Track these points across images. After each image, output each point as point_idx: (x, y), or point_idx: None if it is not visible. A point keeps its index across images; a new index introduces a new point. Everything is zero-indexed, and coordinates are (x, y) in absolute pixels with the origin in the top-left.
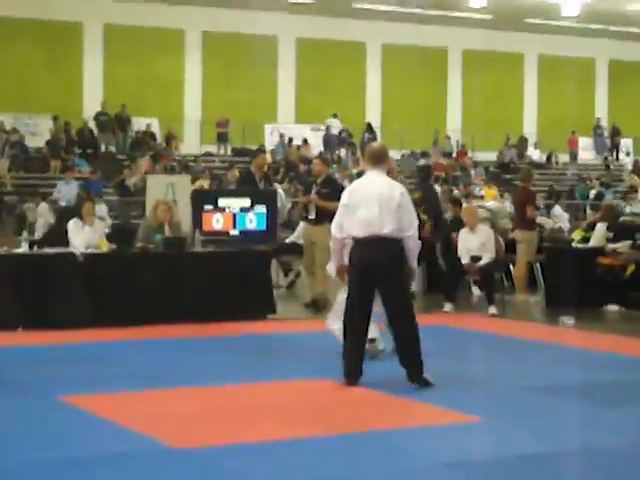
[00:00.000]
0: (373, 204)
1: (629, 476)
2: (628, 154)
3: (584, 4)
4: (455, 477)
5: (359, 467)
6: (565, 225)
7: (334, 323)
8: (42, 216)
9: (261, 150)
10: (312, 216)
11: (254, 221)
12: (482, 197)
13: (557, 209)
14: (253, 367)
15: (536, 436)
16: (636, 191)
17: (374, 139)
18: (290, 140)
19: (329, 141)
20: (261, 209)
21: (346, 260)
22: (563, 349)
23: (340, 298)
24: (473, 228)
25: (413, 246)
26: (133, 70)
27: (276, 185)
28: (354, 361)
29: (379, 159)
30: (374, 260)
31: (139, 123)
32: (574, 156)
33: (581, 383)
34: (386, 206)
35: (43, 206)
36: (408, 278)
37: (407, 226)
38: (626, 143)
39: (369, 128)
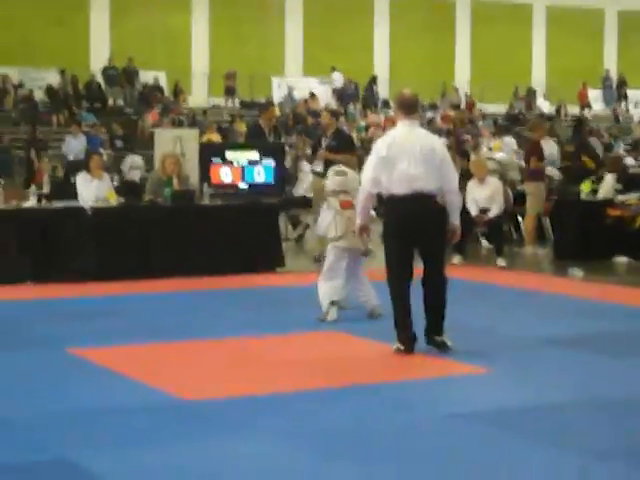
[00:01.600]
0: (415, 158)
1: (632, 426)
2: (637, 105)
3: None
4: (457, 428)
5: (365, 420)
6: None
7: (321, 285)
8: (46, 170)
9: (270, 104)
10: (321, 169)
11: (262, 174)
12: (491, 149)
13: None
14: (263, 320)
15: (541, 388)
16: None
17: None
18: (298, 94)
19: (339, 94)
20: (269, 162)
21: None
22: (571, 301)
23: (330, 258)
24: (482, 180)
25: (456, 201)
26: (140, 23)
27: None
28: (407, 326)
29: (412, 108)
30: (418, 219)
31: (147, 76)
32: (584, 108)
33: (588, 334)
34: (430, 160)
35: (45, 160)
36: (448, 236)
37: (450, 181)
38: (635, 94)
39: (374, 81)
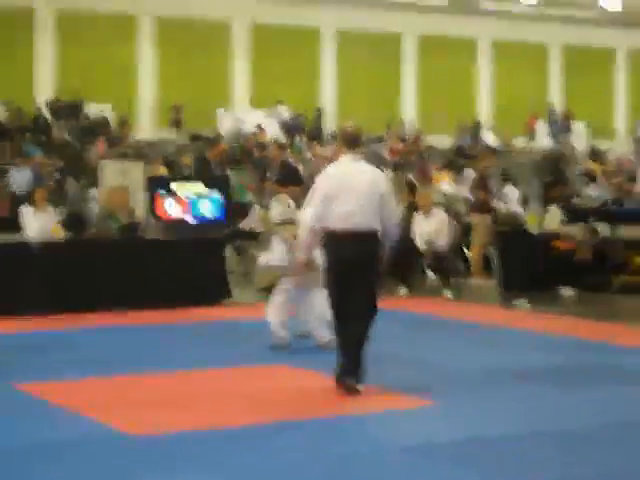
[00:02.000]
0: (356, 194)
1: (582, 457)
2: (580, 137)
3: None
4: (411, 461)
5: (317, 453)
6: (517, 207)
7: (271, 315)
8: None
9: (217, 137)
10: (268, 201)
11: (209, 207)
12: (436, 181)
13: (509, 190)
14: (210, 353)
15: (489, 419)
16: (590, 176)
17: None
18: (245, 126)
19: (286, 127)
20: (216, 195)
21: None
22: (518, 332)
23: (280, 289)
24: (428, 212)
25: (394, 234)
26: (86, 56)
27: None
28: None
29: (355, 142)
30: (354, 255)
31: (92, 109)
32: (532, 137)
33: (535, 366)
34: (370, 196)
35: None
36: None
37: (390, 216)
38: (579, 127)
39: (320, 113)
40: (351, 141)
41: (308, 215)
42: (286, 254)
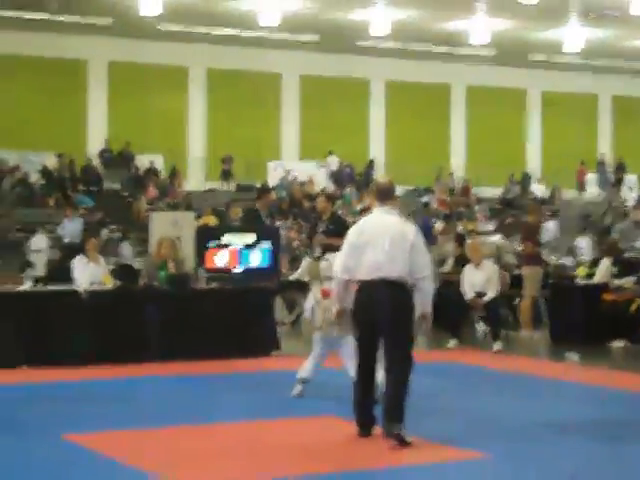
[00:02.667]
0: (383, 245)
1: None
2: (631, 189)
3: (587, 40)
4: None
5: None
6: (587, 257)
7: (302, 371)
8: (41, 251)
9: (267, 188)
10: (318, 253)
11: (258, 258)
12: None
13: (583, 241)
14: (258, 404)
15: (539, 474)
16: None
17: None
18: (294, 177)
19: (335, 178)
20: (266, 245)
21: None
22: (569, 385)
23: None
24: (478, 264)
25: (428, 289)
26: (137, 107)
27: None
28: (366, 410)
29: (387, 195)
30: (381, 307)
31: (143, 160)
32: (582, 187)
33: (585, 420)
34: (398, 247)
35: (40, 238)
36: (416, 325)
37: (421, 268)
38: (630, 179)
39: (371, 164)
40: (384, 194)
41: (337, 266)
42: (315, 313)
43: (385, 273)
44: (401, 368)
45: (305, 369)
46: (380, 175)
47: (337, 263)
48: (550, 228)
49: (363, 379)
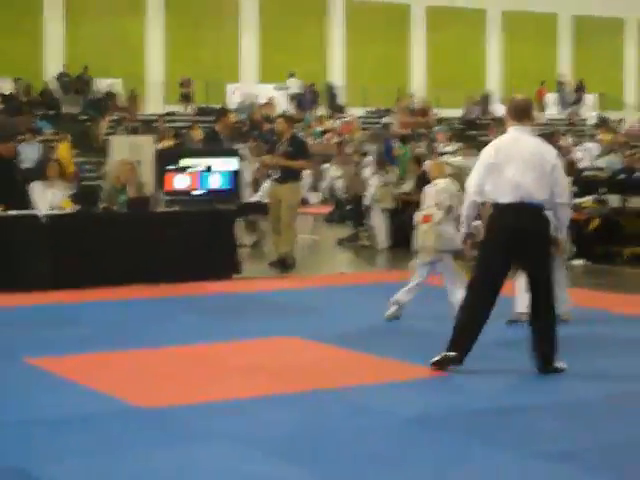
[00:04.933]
0: (524, 166)
1: (588, 428)
2: (591, 108)
3: None
4: (417, 433)
5: (324, 425)
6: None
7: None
8: None
9: (226, 110)
10: (277, 175)
11: (219, 180)
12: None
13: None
14: (219, 326)
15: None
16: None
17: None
18: (254, 100)
19: (296, 99)
20: (226, 168)
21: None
22: None
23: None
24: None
25: (566, 214)
26: (95, 31)
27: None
28: (469, 338)
29: (524, 114)
30: (523, 230)
31: (101, 84)
32: (542, 108)
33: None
34: (539, 169)
35: None
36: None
37: (561, 191)
38: (589, 98)
39: (331, 87)
40: (520, 113)
41: (471, 187)
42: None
43: (526, 195)
44: (549, 303)
45: (401, 292)
46: (517, 93)
47: (470, 183)
48: None
49: (483, 305)
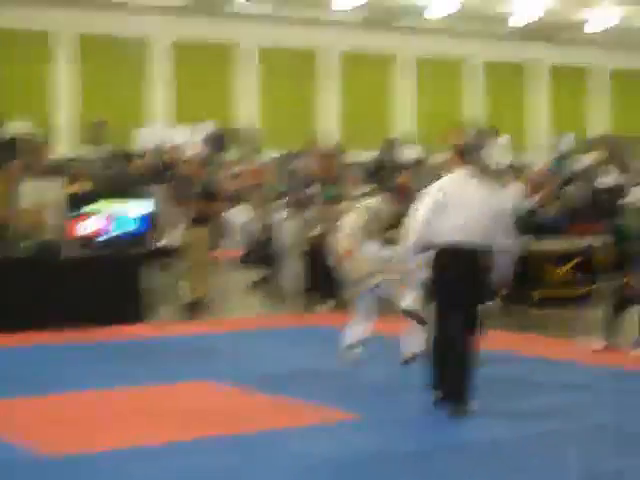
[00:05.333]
0: (470, 207)
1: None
2: (502, 151)
3: (455, 4)
4: (333, 476)
5: (240, 469)
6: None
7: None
8: None
9: (139, 152)
10: (190, 218)
11: (130, 224)
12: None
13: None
14: (129, 371)
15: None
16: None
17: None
18: (167, 143)
19: (209, 142)
20: (138, 211)
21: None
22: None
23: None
24: None
25: (508, 259)
26: (2, 72)
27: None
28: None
29: (469, 155)
30: (465, 270)
31: (10, 127)
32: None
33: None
34: (482, 211)
35: None
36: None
37: (505, 235)
38: (501, 141)
39: (245, 129)
40: (465, 154)
41: (416, 226)
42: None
43: (466, 238)
44: (471, 341)
45: (353, 332)
46: (461, 134)
47: (412, 224)
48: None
49: (449, 345)
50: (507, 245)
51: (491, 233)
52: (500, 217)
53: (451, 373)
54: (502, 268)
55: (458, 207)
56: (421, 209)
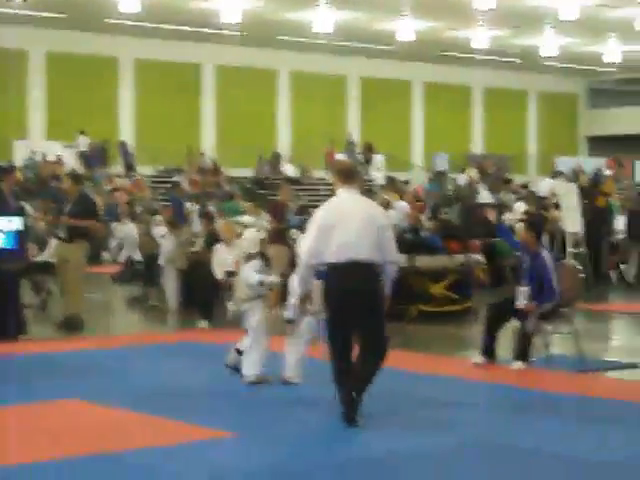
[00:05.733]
0: (355, 226)
1: None
2: (379, 169)
3: (336, 22)
4: None
5: None
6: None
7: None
8: None
9: (13, 167)
10: (64, 234)
11: (2, 240)
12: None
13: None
14: (2, 389)
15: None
16: (386, 205)
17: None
18: (42, 157)
19: (85, 158)
20: (10, 227)
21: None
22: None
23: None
24: (230, 243)
25: (394, 272)
26: None
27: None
28: (350, 399)
29: (350, 176)
30: (355, 289)
31: None
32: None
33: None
34: (370, 228)
35: None
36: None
37: (390, 250)
38: (377, 159)
39: (122, 145)
40: (347, 175)
41: (304, 250)
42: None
43: (355, 254)
44: (379, 357)
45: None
46: (340, 156)
47: (303, 247)
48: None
49: (343, 365)
50: (392, 259)
51: (378, 249)
52: (383, 232)
53: (349, 388)
54: (387, 282)
55: (344, 226)
56: (307, 235)
